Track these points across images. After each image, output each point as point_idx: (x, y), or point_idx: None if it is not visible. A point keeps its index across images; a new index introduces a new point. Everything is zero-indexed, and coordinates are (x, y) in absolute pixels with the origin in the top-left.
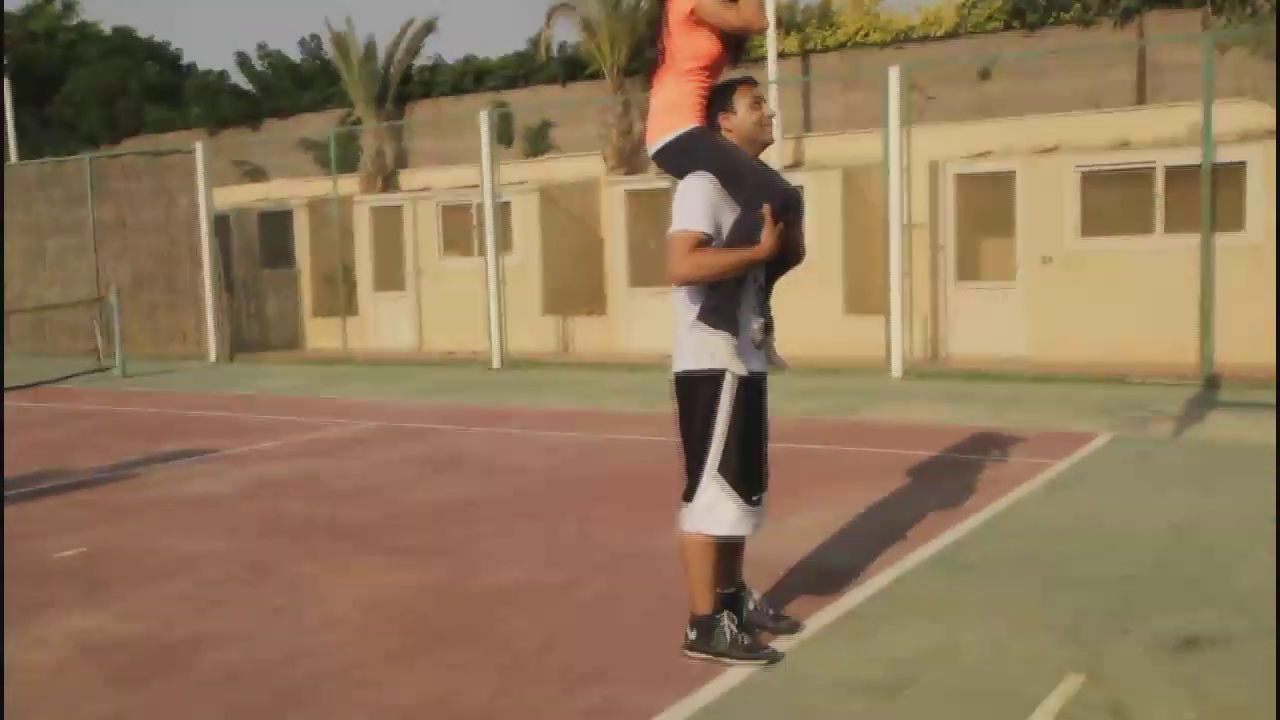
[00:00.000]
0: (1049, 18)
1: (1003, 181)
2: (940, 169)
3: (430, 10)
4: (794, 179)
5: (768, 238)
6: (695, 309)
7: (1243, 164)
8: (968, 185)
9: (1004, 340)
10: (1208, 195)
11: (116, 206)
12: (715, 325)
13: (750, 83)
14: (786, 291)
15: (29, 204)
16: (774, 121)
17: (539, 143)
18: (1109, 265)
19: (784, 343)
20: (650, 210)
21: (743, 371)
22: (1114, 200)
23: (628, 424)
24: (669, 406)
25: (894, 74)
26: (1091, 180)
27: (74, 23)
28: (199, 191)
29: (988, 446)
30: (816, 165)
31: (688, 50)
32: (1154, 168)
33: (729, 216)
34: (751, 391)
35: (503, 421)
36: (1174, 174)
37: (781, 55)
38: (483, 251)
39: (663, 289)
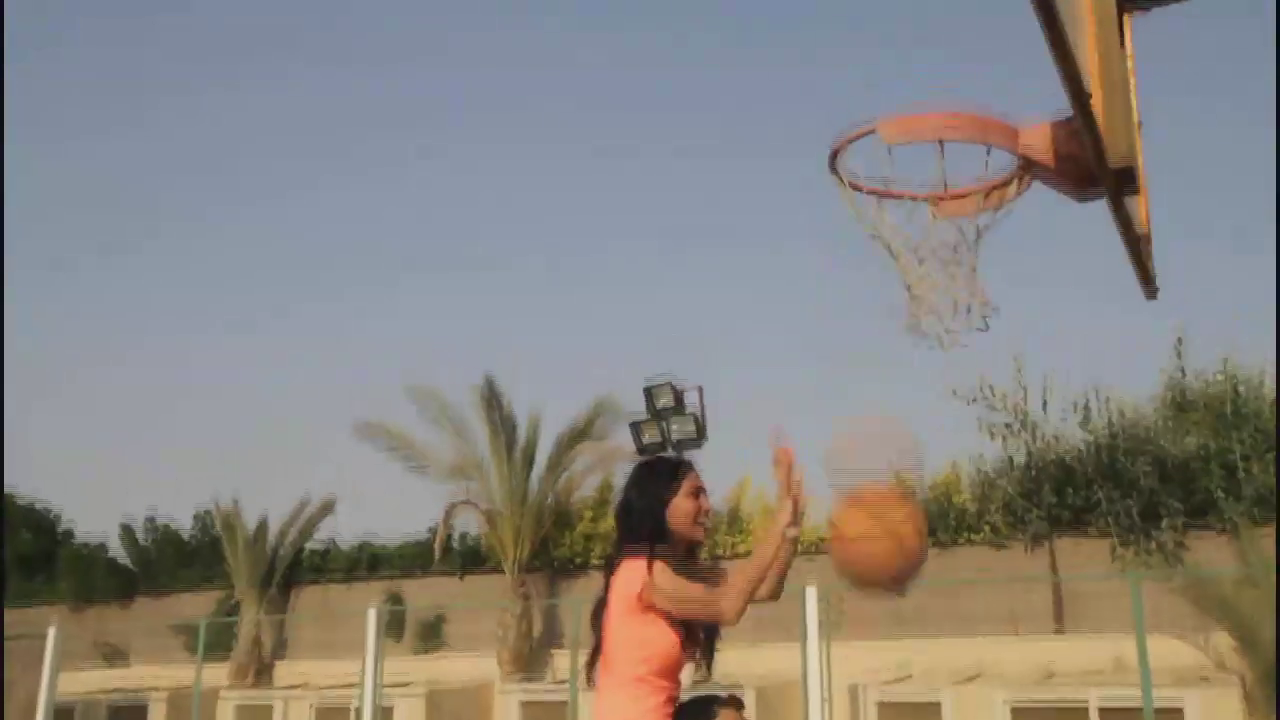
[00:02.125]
0: (960, 536)
1: (928, 712)
2: (861, 694)
3: (330, 491)
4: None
5: None
6: None
7: (1179, 710)
8: (891, 713)
9: None
10: None
11: None
12: None
13: (737, 706)
14: None
15: None
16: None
17: (431, 637)
18: None
19: None
20: None
21: None
22: None
23: None
24: None
25: (811, 593)
26: (1022, 715)
27: None
28: (43, 681)
29: None
30: (727, 679)
31: (633, 640)
32: (1086, 706)
33: None
34: None
35: None
36: (1108, 714)
37: None
38: None
39: None
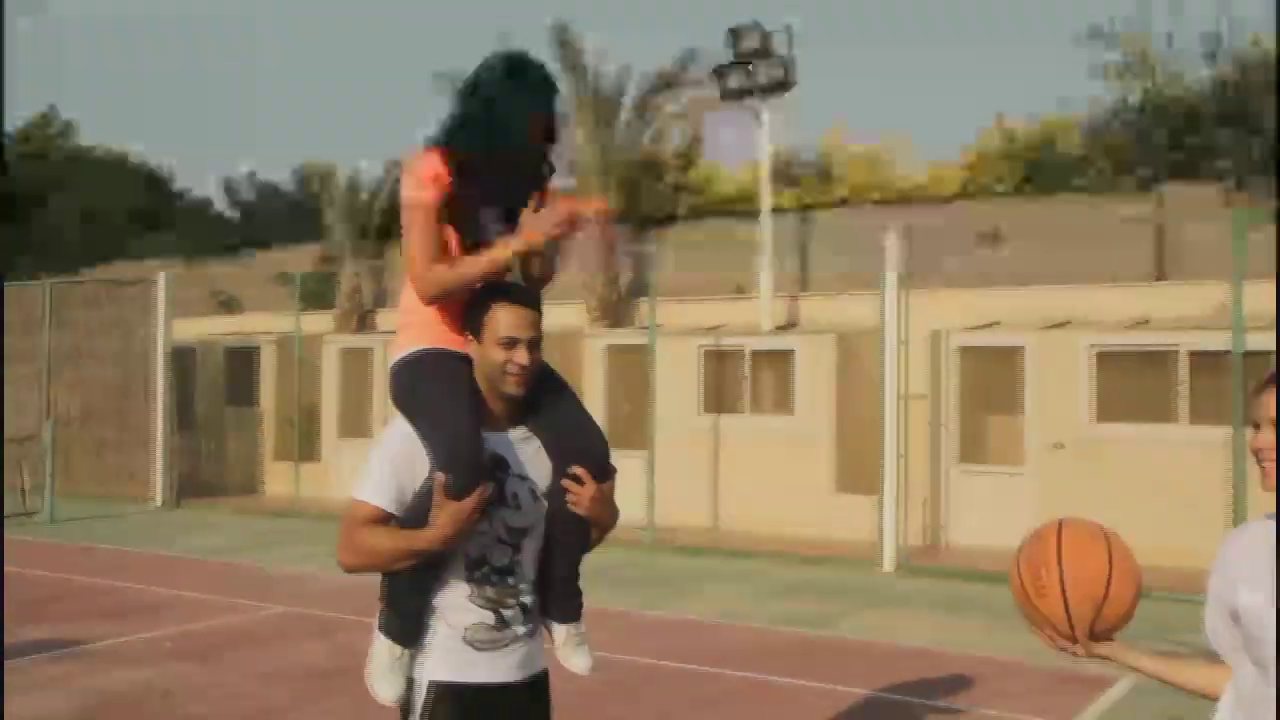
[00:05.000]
0: (1063, 183)
1: (1010, 356)
2: (943, 339)
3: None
4: (786, 341)
5: (443, 521)
6: None
7: (1272, 353)
8: (972, 358)
9: (1012, 532)
10: (1240, 389)
11: (74, 336)
12: (384, 625)
13: (521, 300)
14: (772, 465)
15: None
16: (526, 374)
17: None
18: (1128, 455)
19: (767, 522)
20: (632, 368)
21: (389, 699)
22: (1132, 384)
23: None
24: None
25: (891, 237)
26: (1107, 360)
27: (70, 144)
28: (158, 324)
29: (984, 689)
30: (810, 327)
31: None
32: (1177, 350)
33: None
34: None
35: None
36: (1198, 359)
37: (777, 210)
38: None
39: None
